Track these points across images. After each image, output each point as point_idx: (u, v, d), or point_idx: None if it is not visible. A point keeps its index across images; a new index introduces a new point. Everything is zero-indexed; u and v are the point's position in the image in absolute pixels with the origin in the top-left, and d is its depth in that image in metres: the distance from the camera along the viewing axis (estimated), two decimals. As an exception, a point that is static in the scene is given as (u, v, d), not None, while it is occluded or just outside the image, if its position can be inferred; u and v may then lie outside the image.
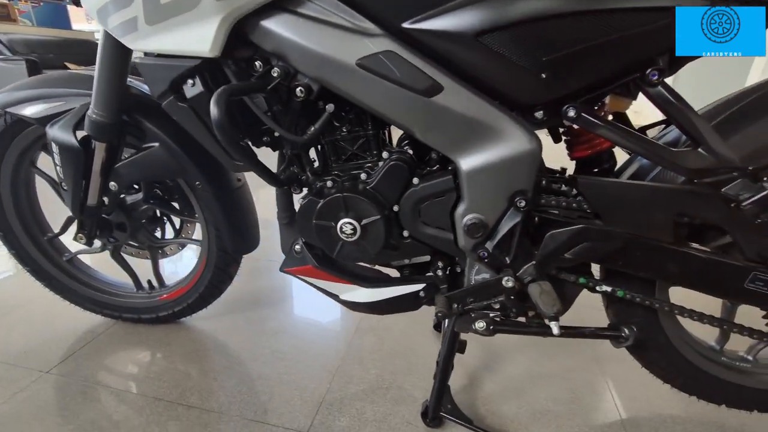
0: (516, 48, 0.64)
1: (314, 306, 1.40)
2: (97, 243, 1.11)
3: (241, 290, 1.42)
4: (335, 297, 0.92)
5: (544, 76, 0.65)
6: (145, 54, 0.75)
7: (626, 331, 0.82)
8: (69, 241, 1.13)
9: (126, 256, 1.18)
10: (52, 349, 1.13)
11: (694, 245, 0.74)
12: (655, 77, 0.64)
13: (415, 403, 1.00)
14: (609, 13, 0.59)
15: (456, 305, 0.81)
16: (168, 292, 1.20)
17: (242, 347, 1.19)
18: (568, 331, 0.81)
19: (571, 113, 0.68)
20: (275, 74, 0.72)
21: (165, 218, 1.17)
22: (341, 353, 1.16)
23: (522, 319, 0.83)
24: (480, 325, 0.80)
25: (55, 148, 0.90)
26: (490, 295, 0.79)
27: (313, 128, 0.77)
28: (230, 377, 1.07)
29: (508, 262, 0.76)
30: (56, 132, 0.89)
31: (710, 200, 0.68)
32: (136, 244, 1.15)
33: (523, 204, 0.71)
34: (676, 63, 0.66)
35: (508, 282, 0.75)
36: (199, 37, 0.69)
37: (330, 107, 0.75)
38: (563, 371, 1.14)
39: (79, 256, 1.22)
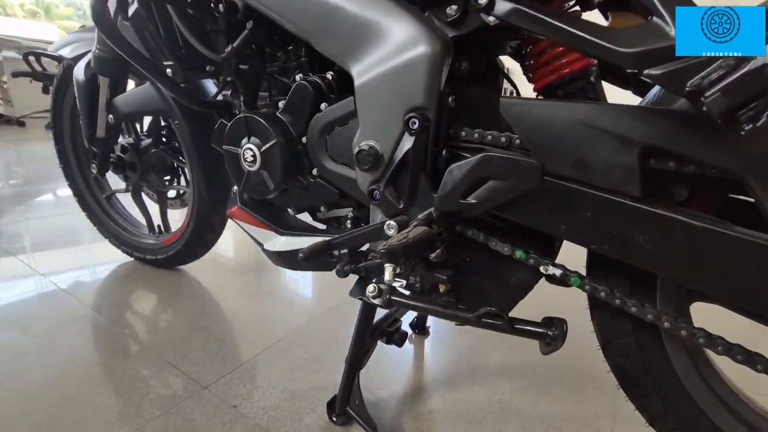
0: None
1: (302, 281, 1.33)
2: (122, 185, 1.25)
3: (243, 251, 1.44)
4: (261, 246, 0.84)
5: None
6: None
7: (553, 329, 0.54)
8: (113, 181, 1.32)
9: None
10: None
11: (687, 210, 0.46)
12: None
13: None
14: None
15: (348, 264, 0.65)
16: (167, 237, 1.27)
17: (209, 301, 1.18)
18: (457, 314, 0.58)
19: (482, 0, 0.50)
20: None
21: (178, 170, 1.26)
22: (293, 327, 1.06)
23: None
24: (370, 289, 0.63)
25: (74, 83, 1.05)
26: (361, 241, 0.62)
27: (231, 46, 0.73)
28: (179, 323, 1.06)
29: (401, 205, 0.58)
30: (76, 69, 1.04)
31: (686, 118, 0.42)
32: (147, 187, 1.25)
33: (416, 125, 0.54)
34: None
35: (389, 229, 0.58)
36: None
37: (249, 24, 0.71)
38: (558, 416, 0.83)
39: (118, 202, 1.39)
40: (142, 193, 1.29)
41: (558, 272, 0.55)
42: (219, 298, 1.21)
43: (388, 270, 0.49)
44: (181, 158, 1.15)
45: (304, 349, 0.98)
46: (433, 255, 0.61)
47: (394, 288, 0.64)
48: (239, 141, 0.73)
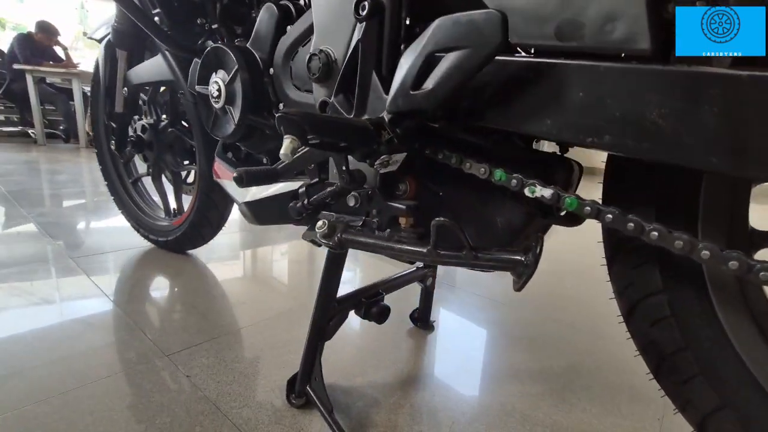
0: None
1: (302, 270, 1.24)
2: (143, 169, 1.28)
3: (247, 242, 1.39)
4: (237, 202, 0.77)
5: None
6: None
7: (528, 256, 0.39)
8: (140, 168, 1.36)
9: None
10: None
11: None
12: None
13: (303, 376, 0.71)
14: None
15: (304, 203, 0.55)
16: (177, 218, 1.26)
17: (206, 281, 1.13)
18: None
19: None
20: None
21: (194, 153, 1.26)
22: (281, 310, 0.96)
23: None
24: (319, 225, 0.52)
25: (97, 63, 1.10)
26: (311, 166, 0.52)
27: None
28: (167, 297, 1.01)
29: (351, 115, 0.48)
30: (99, 49, 1.09)
31: None
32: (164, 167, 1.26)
33: (365, 10, 0.45)
34: None
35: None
36: None
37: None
38: (565, 429, 0.64)
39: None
40: (163, 178, 1.30)
41: (548, 193, 0.41)
42: (217, 280, 1.15)
43: (286, 142, 0.38)
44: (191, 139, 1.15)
45: (287, 330, 0.87)
46: (400, 188, 0.50)
47: (349, 225, 0.52)
48: (209, 78, 0.68)
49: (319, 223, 0.52)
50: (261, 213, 0.70)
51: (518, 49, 0.41)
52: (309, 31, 0.56)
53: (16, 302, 0.93)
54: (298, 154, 0.52)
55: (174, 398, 0.65)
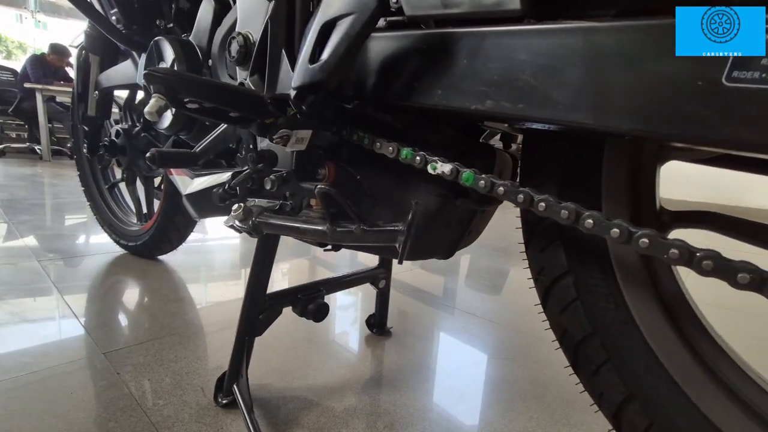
0: None
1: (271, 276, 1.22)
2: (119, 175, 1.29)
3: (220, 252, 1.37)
4: (182, 196, 0.77)
5: None
6: None
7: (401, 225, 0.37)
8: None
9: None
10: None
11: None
12: None
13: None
14: None
15: (225, 188, 0.54)
16: (146, 223, 1.25)
17: (167, 284, 1.11)
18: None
19: None
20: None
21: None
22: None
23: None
24: (234, 208, 0.51)
25: (74, 69, 1.13)
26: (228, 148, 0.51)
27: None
28: (124, 297, 1.00)
29: (263, 93, 0.48)
30: (76, 52, 1.12)
31: None
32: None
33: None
34: None
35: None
36: None
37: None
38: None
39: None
40: (137, 184, 1.31)
41: (447, 168, 0.39)
42: (181, 283, 1.13)
43: (152, 101, 0.37)
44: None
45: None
46: (318, 174, 0.49)
47: (265, 209, 0.51)
48: (157, 61, 0.69)
49: (234, 206, 0.50)
50: (200, 204, 0.69)
51: (416, 23, 0.41)
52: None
53: (-32, 300, 0.92)
54: (213, 135, 0.51)
55: (98, 394, 0.62)
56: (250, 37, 0.50)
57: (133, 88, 1.10)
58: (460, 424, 0.63)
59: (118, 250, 1.34)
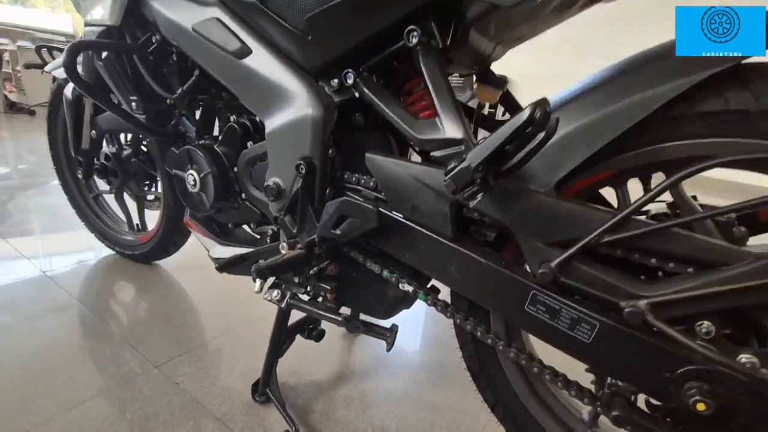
0: (284, 10, 0.66)
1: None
2: (104, 185, 1.42)
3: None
4: (207, 251, 1.00)
5: (310, 38, 0.65)
6: (85, 24, 0.99)
7: (389, 333, 0.70)
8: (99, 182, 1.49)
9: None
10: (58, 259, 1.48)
11: (485, 249, 0.61)
12: (415, 39, 0.58)
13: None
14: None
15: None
16: (143, 235, 1.44)
17: (175, 292, 1.35)
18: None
19: (349, 80, 0.66)
20: (154, 40, 0.87)
21: (156, 177, 1.42)
22: (245, 320, 1.22)
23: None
24: (275, 293, 0.79)
25: (64, 102, 1.22)
26: (269, 254, 0.79)
27: (182, 89, 0.89)
28: (145, 310, 1.24)
29: (295, 230, 0.74)
30: (66, 89, 1.21)
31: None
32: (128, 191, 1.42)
33: (303, 170, 0.70)
34: (449, 27, 0.59)
35: (282, 249, 0.74)
36: (105, 9, 0.89)
37: (196, 71, 0.87)
38: (444, 406, 0.98)
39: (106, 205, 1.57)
40: (125, 194, 1.46)
41: (410, 289, 0.70)
42: (185, 290, 1.38)
43: (257, 284, 0.65)
44: (154, 169, 1.32)
45: (249, 340, 1.14)
46: (327, 270, 0.77)
47: (295, 294, 0.80)
48: (184, 167, 0.89)
49: (275, 293, 0.78)
50: (225, 267, 0.94)
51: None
52: (264, 156, 0.79)
53: (12, 323, 1.11)
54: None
55: (170, 401, 0.91)
56: (281, 185, 0.75)
57: (134, 132, 1.23)
58: (414, 399, 1.00)
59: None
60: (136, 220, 1.49)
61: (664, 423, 0.49)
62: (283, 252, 0.73)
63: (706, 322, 0.48)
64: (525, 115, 0.43)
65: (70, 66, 0.85)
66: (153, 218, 1.48)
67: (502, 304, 0.58)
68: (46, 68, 1.33)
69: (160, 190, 1.41)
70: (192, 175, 0.87)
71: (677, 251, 0.48)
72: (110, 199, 1.54)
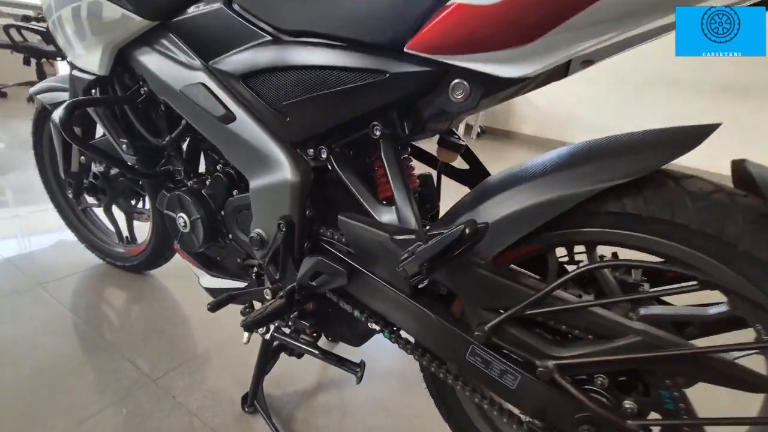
0: (265, 93, 0.74)
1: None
2: (93, 200, 1.49)
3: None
4: (198, 279, 1.10)
5: (288, 120, 0.74)
6: (72, 66, 1.04)
7: (359, 368, 0.83)
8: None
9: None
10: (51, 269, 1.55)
11: (437, 306, 0.73)
12: (378, 132, 0.68)
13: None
14: (320, 69, 0.66)
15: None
16: (134, 248, 1.52)
17: (166, 305, 1.45)
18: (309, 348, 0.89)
19: (323, 155, 0.75)
20: (142, 92, 0.94)
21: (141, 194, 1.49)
22: (233, 332, 1.33)
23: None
24: (261, 329, 0.90)
25: (52, 127, 1.27)
26: (254, 297, 0.90)
27: (169, 137, 0.96)
28: (138, 324, 1.34)
29: (277, 277, 0.85)
30: (53, 116, 1.26)
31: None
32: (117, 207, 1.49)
33: (283, 228, 0.79)
34: (410, 122, 0.68)
35: (267, 294, 0.84)
36: (93, 61, 0.94)
37: (183, 121, 0.94)
38: (412, 413, 1.13)
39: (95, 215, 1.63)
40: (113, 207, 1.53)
41: (377, 328, 0.82)
42: (176, 301, 1.48)
43: (246, 336, 0.76)
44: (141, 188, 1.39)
45: (237, 350, 1.26)
46: (307, 305, 0.89)
47: (279, 327, 0.91)
48: (175, 210, 0.98)
49: (262, 329, 0.90)
50: (216, 306, 1.04)
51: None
52: (249, 206, 0.88)
53: (15, 340, 1.20)
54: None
55: (168, 414, 1.03)
56: (264, 236, 0.84)
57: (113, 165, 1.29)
58: (383, 405, 1.14)
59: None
60: (125, 232, 1.56)
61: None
62: (267, 298, 0.84)
63: (602, 375, 0.62)
64: (457, 233, 0.54)
65: (66, 125, 0.91)
66: (141, 228, 1.57)
67: (449, 353, 0.71)
68: (31, 91, 1.36)
69: (147, 206, 1.49)
70: (182, 217, 0.96)
71: (581, 324, 0.60)
72: (99, 211, 1.60)
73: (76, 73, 1.03)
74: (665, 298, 0.65)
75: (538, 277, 0.68)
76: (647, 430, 0.58)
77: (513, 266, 0.69)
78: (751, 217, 0.52)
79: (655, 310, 0.59)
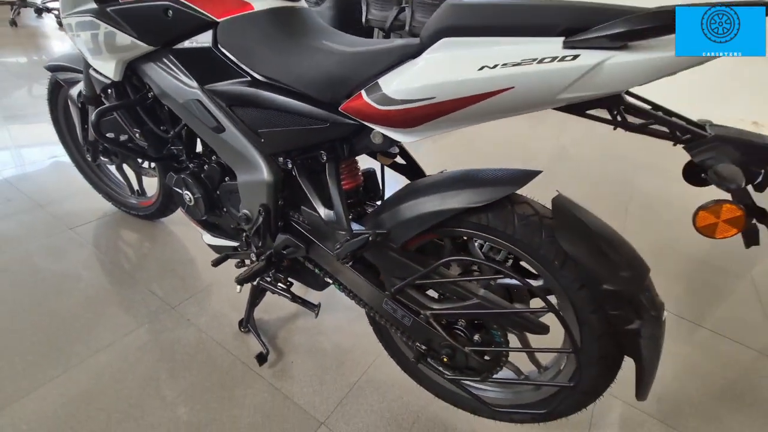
0: (246, 118, 1.02)
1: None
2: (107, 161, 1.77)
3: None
4: (202, 236, 1.44)
5: (263, 140, 1.02)
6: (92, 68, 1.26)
7: (316, 307, 1.22)
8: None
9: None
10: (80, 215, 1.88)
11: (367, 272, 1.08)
12: (324, 158, 0.97)
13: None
14: (285, 111, 0.94)
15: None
16: (145, 200, 1.84)
17: (178, 247, 1.81)
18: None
19: (289, 164, 1.05)
20: (150, 95, 1.19)
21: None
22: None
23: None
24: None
25: (70, 103, 1.51)
26: (244, 256, 1.26)
27: (173, 130, 1.24)
28: (156, 264, 1.70)
29: (260, 245, 1.19)
30: (71, 91, 1.49)
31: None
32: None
33: (262, 213, 1.11)
34: (348, 149, 0.97)
35: (252, 257, 1.19)
36: (108, 68, 1.18)
37: (183, 122, 1.21)
38: (362, 333, 1.54)
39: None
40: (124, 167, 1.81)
41: (330, 281, 1.18)
42: (183, 246, 1.83)
43: (238, 288, 1.12)
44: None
45: (235, 288, 1.64)
46: (282, 263, 1.24)
47: (263, 277, 1.28)
48: (181, 188, 1.28)
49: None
50: (217, 263, 1.38)
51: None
52: (238, 191, 1.19)
53: (62, 274, 1.57)
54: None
55: (186, 331, 1.43)
56: (249, 215, 1.16)
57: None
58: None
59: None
60: (136, 186, 1.86)
61: (444, 365, 1.04)
62: (253, 260, 1.19)
63: (461, 320, 1.00)
64: (366, 239, 0.87)
65: (97, 127, 1.17)
66: (151, 183, 1.87)
67: (372, 302, 1.08)
68: (45, 66, 1.57)
69: (153, 164, 1.77)
70: (187, 194, 1.27)
71: (449, 290, 0.97)
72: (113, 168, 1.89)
73: (93, 73, 1.26)
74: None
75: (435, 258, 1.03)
76: (479, 354, 0.97)
77: (412, 249, 1.02)
78: (548, 232, 0.85)
79: (501, 281, 0.95)
